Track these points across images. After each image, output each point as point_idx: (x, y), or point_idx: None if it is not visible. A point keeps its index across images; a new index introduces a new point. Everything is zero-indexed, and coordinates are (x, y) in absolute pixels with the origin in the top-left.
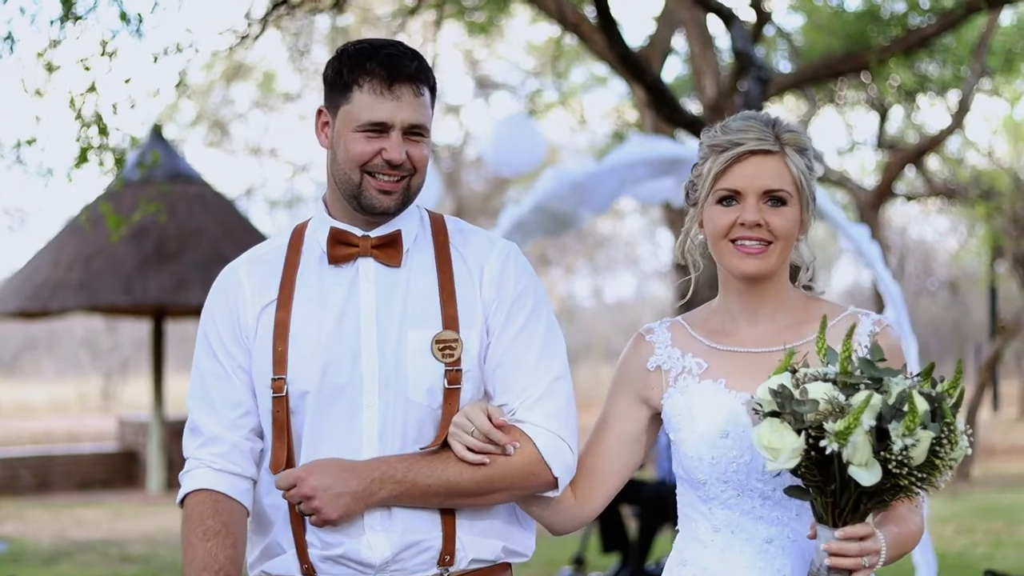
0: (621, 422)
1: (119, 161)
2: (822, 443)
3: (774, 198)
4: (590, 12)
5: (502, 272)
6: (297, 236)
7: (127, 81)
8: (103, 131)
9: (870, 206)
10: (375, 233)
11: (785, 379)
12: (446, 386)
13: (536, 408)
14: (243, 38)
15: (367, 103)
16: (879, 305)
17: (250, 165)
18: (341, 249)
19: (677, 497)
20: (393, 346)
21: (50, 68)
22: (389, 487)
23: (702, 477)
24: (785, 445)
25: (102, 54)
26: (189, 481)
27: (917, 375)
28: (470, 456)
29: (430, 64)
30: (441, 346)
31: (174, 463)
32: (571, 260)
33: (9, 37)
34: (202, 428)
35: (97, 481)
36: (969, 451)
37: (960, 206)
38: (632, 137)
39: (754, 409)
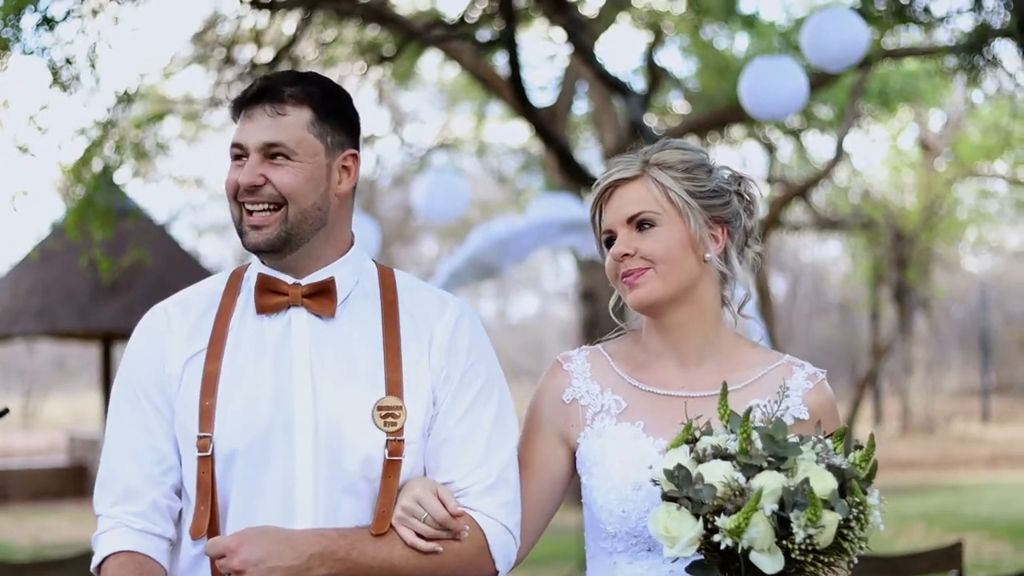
0: (543, 467)
1: (86, 201)
2: (716, 538)
3: (640, 222)
4: (502, 62)
5: (453, 338)
6: (234, 280)
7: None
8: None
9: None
10: (306, 280)
11: (683, 455)
12: (386, 457)
13: (487, 497)
14: (213, 104)
15: (234, 132)
16: None
17: (176, 193)
18: (270, 298)
19: (586, 542)
20: (330, 409)
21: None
22: (329, 564)
23: (611, 529)
24: (683, 532)
25: (52, 84)
26: (106, 543)
27: (828, 437)
28: (422, 544)
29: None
30: (383, 413)
31: None
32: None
33: None
34: (119, 482)
35: (50, 493)
36: (882, 527)
37: (845, 235)
38: (544, 197)
39: (652, 480)
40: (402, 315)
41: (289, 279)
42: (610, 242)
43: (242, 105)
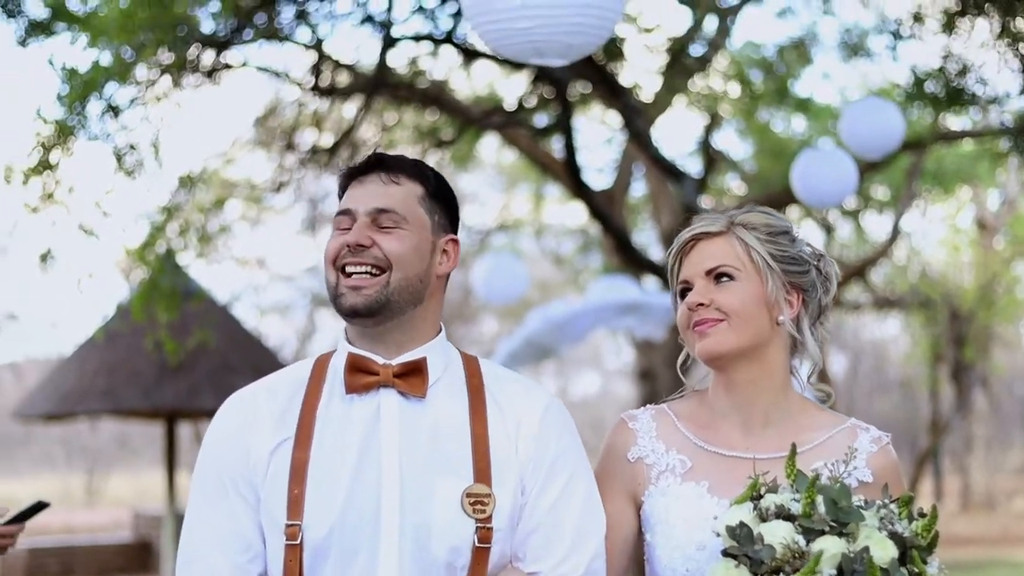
0: (618, 526)
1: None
2: None
3: (718, 275)
4: (558, 146)
5: (542, 427)
6: (320, 367)
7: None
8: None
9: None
10: (397, 360)
11: (746, 512)
12: (476, 544)
13: None
14: (279, 185)
15: (339, 201)
16: None
17: (238, 274)
18: (360, 377)
19: None
20: (418, 493)
21: (52, 196)
22: None
23: None
24: None
25: (117, 170)
26: None
27: (893, 502)
28: None
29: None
30: (472, 500)
31: None
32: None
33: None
34: (205, 569)
35: (115, 569)
36: None
37: (903, 314)
38: (601, 280)
39: (715, 532)
40: (488, 403)
41: (380, 359)
42: (685, 293)
43: (354, 175)
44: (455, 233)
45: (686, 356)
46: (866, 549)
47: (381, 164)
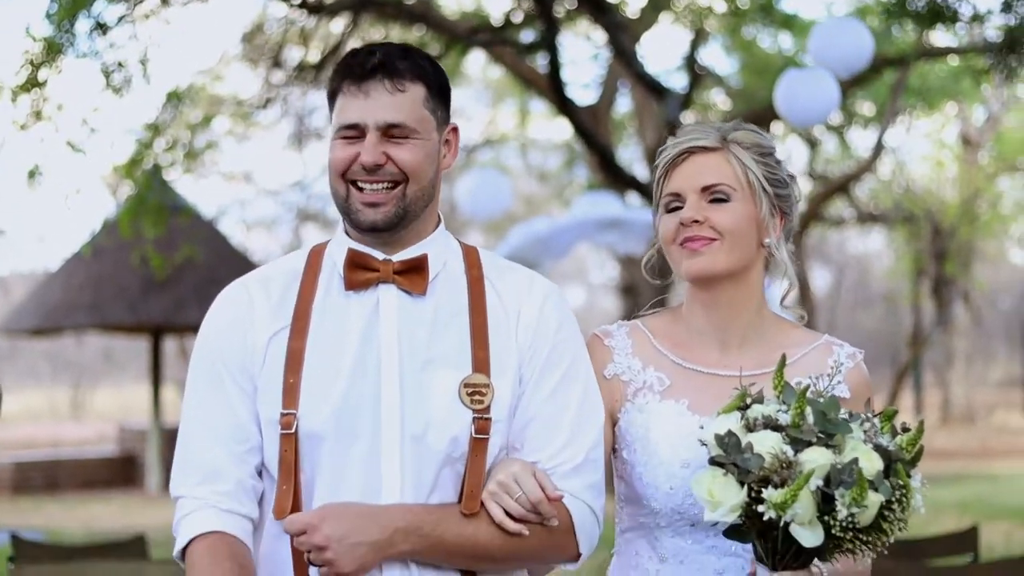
0: None
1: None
2: (760, 508)
3: (715, 193)
4: (543, 62)
5: (541, 316)
6: (315, 257)
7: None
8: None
9: (795, 233)
10: (398, 257)
11: (734, 421)
12: (473, 435)
13: (574, 477)
14: (266, 102)
15: (341, 107)
16: None
17: (224, 189)
18: (360, 274)
19: (618, 516)
20: (417, 386)
21: (41, 113)
22: (413, 540)
23: (656, 505)
24: (726, 499)
25: (105, 87)
26: (192, 524)
27: (876, 416)
28: (509, 524)
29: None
30: (470, 391)
31: (170, 465)
32: None
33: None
34: (203, 462)
35: (101, 482)
36: (922, 510)
37: (887, 229)
38: (585, 196)
39: (700, 440)
40: (488, 293)
41: (380, 255)
42: (673, 206)
43: (354, 77)
44: (451, 119)
45: (651, 257)
46: (855, 460)
47: (383, 69)
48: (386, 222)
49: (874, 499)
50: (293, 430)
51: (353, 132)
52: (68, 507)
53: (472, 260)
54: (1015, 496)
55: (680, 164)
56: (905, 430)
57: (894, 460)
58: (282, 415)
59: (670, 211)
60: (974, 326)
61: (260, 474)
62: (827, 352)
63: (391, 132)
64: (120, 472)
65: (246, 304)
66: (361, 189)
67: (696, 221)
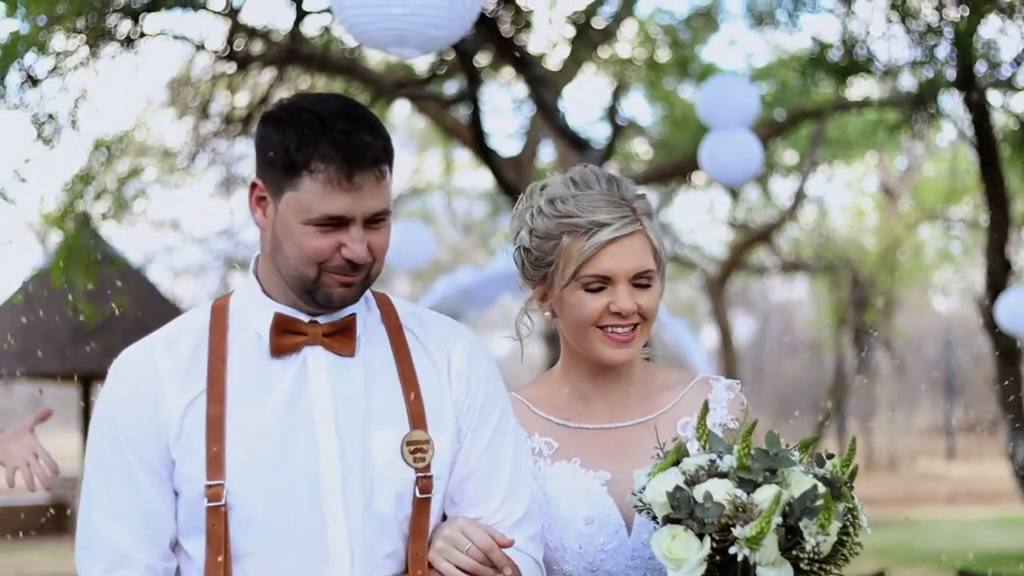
0: None
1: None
2: (732, 550)
3: (641, 279)
4: (466, 113)
5: (470, 366)
6: (218, 315)
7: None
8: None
9: (717, 282)
10: (326, 320)
11: (674, 477)
12: (417, 495)
13: (516, 531)
14: (194, 155)
15: (320, 194)
16: None
17: (152, 237)
18: (287, 338)
19: None
20: (358, 450)
21: None
22: None
23: (568, 568)
24: (690, 554)
25: (36, 139)
26: None
27: (796, 447)
28: None
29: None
30: (412, 448)
31: None
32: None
33: None
34: (109, 547)
35: (32, 529)
36: (869, 530)
37: (809, 278)
38: (508, 246)
39: (636, 507)
40: (411, 341)
41: (305, 318)
42: (594, 287)
43: (342, 168)
44: None
45: (522, 314)
46: (815, 487)
47: (370, 156)
48: (355, 299)
49: (835, 525)
50: (222, 502)
51: (335, 222)
52: (1, 553)
53: (387, 308)
54: (933, 542)
55: (607, 247)
56: (829, 456)
57: (838, 485)
58: (208, 487)
59: (591, 291)
60: (897, 374)
61: (175, 549)
62: (706, 388)
63: (374, 220)
64: (51, 519)
65: (151, 371)
66: (334, 273)
67: (632, 312)
